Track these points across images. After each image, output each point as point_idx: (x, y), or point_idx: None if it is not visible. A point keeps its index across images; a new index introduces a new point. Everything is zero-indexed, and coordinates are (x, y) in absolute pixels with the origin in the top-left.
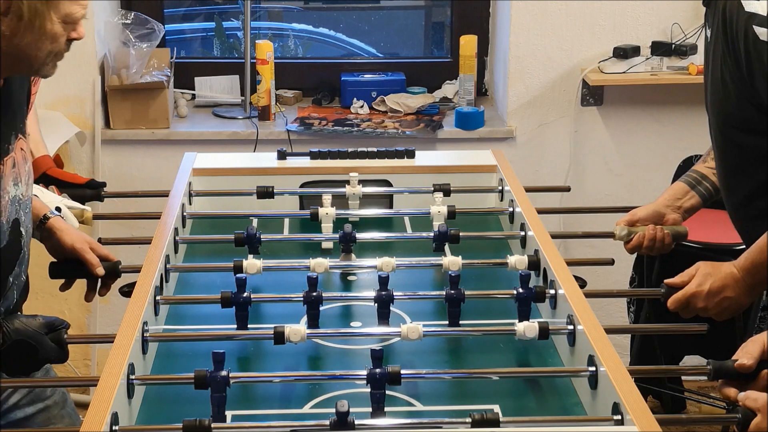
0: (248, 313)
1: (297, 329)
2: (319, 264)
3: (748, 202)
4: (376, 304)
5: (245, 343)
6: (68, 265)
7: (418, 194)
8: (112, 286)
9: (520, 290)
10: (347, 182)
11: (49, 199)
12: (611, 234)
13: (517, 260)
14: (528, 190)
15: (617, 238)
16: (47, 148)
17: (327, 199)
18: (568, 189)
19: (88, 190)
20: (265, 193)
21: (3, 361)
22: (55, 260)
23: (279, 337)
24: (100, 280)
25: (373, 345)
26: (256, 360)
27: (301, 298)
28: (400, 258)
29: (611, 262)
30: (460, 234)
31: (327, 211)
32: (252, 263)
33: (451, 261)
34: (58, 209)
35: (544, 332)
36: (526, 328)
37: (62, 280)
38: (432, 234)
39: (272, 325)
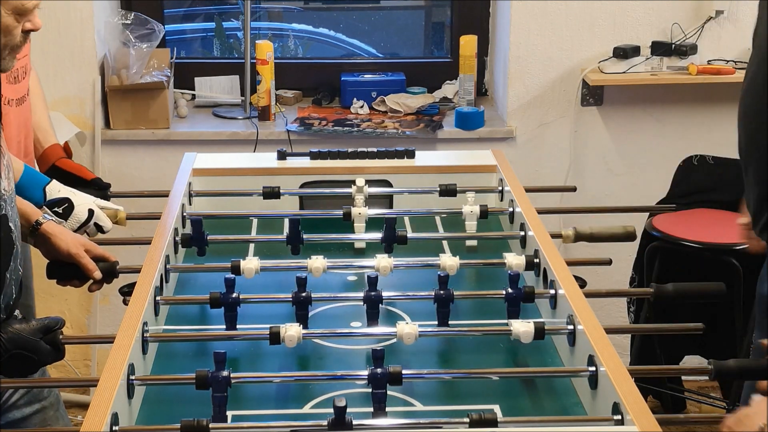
0: (237, 314)
1: (292, 331)
2: (315, 264)
3: None
4: (365, 305)
5: (244, 344)
6: (65, 266)
7: (419, 194)
8: (111, 285)
9: (509, 290)
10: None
11: (82, 200)
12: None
13: (513, 259)
14: (532, 190)
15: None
16: (56, 136)
17: (359, 198)
18: (574, 189)
19: (93, 191)
20: (272, 193)
21: (1, 371)
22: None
23: (274, 338)
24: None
25: (373, 345)
26: (255, 360)
27: (290, 299)
28: (398, 258)
29: (609, 262)
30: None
31: (360, 211)
32: (249, 264)
33: (447, 261)
34: (92, 212)
35: (540, 332)
36: (522, 334)
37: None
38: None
39: (271, 326)
